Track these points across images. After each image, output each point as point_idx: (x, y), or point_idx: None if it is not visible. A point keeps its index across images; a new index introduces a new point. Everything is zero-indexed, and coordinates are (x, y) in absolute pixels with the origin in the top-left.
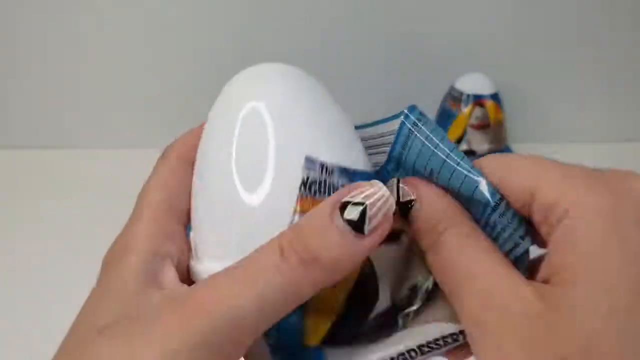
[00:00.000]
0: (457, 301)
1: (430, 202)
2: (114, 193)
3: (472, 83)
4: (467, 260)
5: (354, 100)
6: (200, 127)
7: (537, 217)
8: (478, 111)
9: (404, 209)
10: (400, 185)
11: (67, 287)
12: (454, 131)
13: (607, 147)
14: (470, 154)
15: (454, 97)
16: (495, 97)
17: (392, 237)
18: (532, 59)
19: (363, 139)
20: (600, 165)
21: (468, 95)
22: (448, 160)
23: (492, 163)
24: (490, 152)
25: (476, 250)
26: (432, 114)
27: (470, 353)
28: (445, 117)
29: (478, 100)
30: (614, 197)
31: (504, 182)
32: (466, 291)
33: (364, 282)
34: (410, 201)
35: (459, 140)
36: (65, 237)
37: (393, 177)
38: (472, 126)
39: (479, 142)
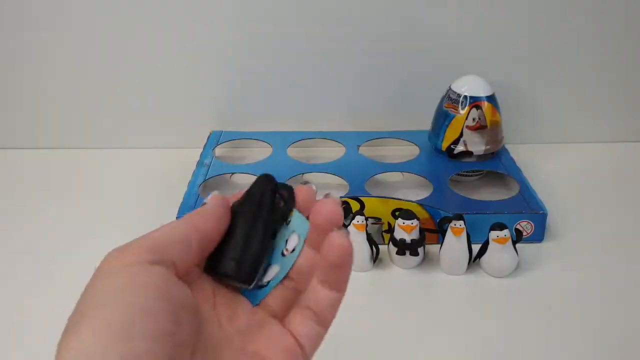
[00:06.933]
0: None
1: None
2: (114, 193)
3: (469, 85)
4: None
5: (354, 102)
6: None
7: None
8: (475, 113)
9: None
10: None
11: (68, 287)
12: (452, 132)
13: (603, 148)
14: (467, 155)
15: (452, 99)
16: (491, 98)
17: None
18: (528, 61)
19: None
20: (597, 166)
21: (465, 97)
22: None
23: None
24: (486, 153)
25: None
26: (430, 115)
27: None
28: (442, 119)
29: (475, 102)
30: None
31: None
32: None
33: None
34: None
35: (456, 142)
36: (66, 237)
37: None
38: (469, 127)
39: (475, 143)
